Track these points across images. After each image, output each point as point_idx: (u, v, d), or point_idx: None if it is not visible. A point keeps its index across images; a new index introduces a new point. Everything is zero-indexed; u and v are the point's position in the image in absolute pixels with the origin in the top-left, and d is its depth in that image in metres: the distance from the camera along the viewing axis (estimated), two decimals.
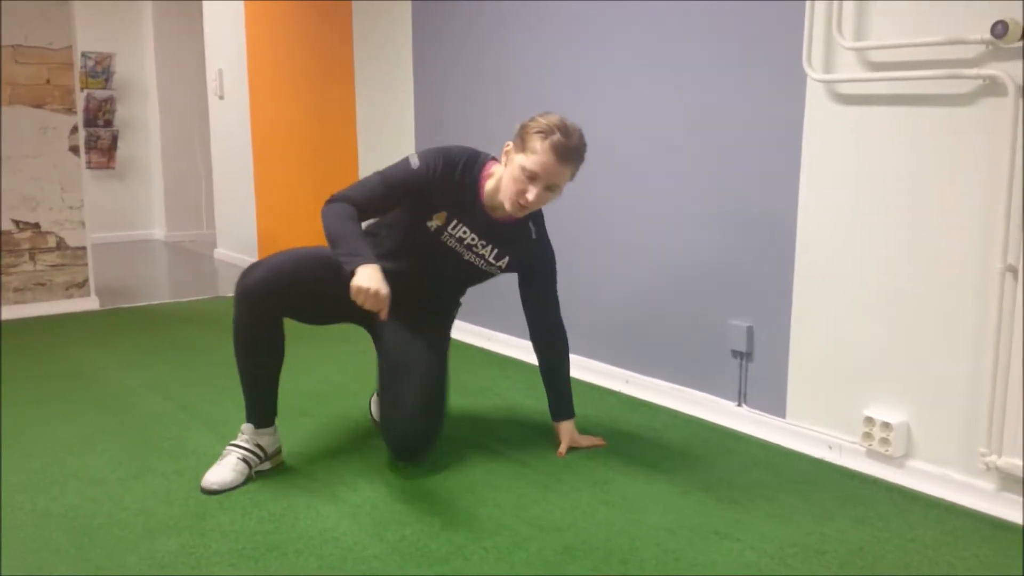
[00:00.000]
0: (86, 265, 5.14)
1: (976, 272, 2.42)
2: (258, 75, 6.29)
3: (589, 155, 3.58)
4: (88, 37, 7.79)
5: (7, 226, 4.85)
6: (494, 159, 2.67)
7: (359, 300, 2.31)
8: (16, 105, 4.81)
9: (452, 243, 2.67)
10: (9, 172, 4.82)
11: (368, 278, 2.31)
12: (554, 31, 3.69)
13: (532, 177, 2.47)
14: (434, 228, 2.64)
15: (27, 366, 3.87)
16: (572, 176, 2.57)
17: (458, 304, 2.95)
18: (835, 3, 2.65)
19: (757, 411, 3.07)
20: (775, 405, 3.01)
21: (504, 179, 2.55)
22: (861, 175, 2.67)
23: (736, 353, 3.12)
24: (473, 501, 2.47)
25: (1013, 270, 2.32)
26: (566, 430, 2.86)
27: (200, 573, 2.07)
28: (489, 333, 4.14)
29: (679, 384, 3.34)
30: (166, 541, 2.22)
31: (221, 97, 6.86)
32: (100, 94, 7.95)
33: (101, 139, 8.05)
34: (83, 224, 5.09)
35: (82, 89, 7.70)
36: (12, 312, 4.90)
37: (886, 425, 2.63)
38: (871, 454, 2.71)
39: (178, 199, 8.33)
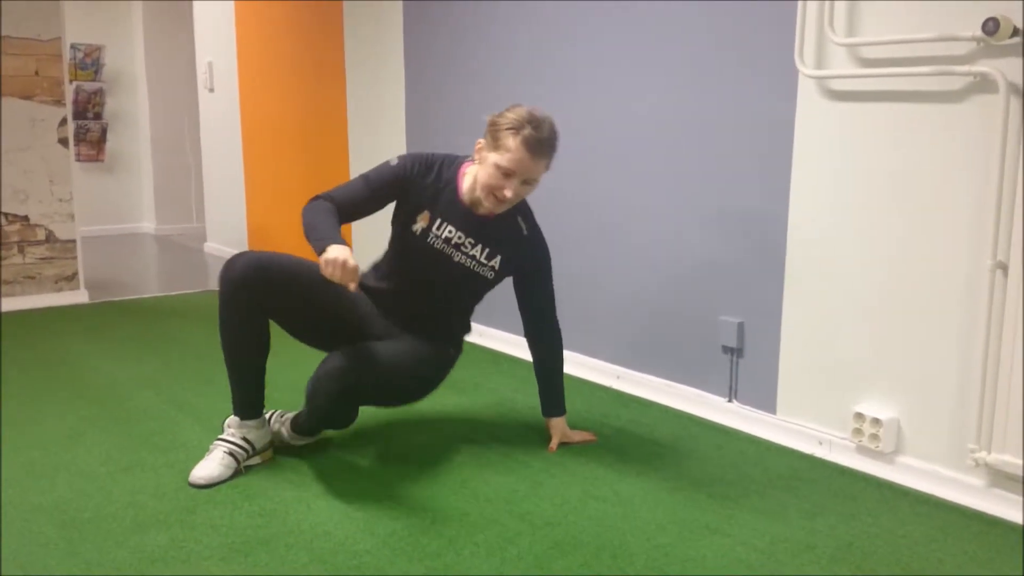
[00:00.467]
0: (75, 258, 5.11)
1: (966, 268, 2.43)
2: (248, 68, 6.27)
3: (583, 152, 3.59)
4: (77, 29, 7.74)
5: None
6: (470, 160, 2.68)
7: (327, 272, 2.30)
8: (4, 96, 4.78)
9: (439, 244, 2.65)
10: None
11: (337, 251, 2.31)
12: (546, 29, 3.69)
13: (508, 174, 2.50)
14: (419, 231, 2.65)
15: (16, 359, 3.86)
16: (548, 167, 2.58)
17: (464, 329, 2.86)
18: (827, 0, 2.66)
19: (748, 407, 3.07)
20: (766, 401, 3.01)
21: (480, 177, 2.57)
22: (852, 171, 2.67)
23: (727, 349, 3.12)
24: (464, 496, 2.47)
25: (1003, 266, 2.33)
26: (557, 426, 2.86)
27: (190, 567, 2.06)
28: (481, 328, 4.14)
29: (670, 380, 3.34)
30: (156, 535, 2.22)
31: (211, 90, 6.83)
32: (89, 86, 7.91)
33: (90, 132, 8.01)
34: (72, 217, 5.07)
35: (71, 81, 7.66)
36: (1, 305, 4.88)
37: (876, 421, 2.64)
38: (861, 450, 2.72)
39: (168, 192, 8.30)
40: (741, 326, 3.06)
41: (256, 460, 2.65)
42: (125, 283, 5.85)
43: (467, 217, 2.65)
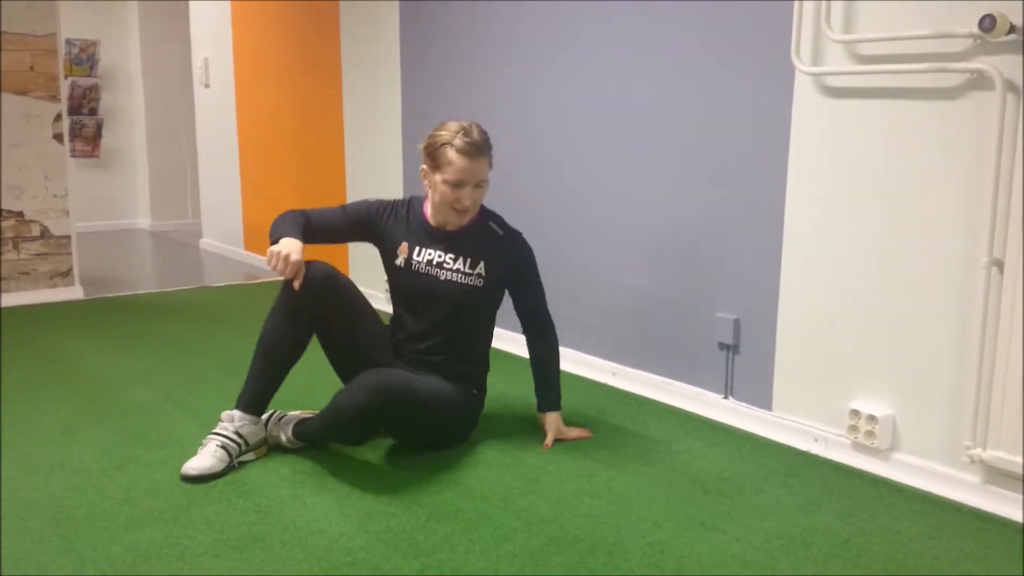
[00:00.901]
0: (70, 254, 5.10)
1: (962, 266, 2.43)
2: (244, 63, 6.26)
3: (579, 149, 3.58)
4: (73, 24, 7.72)
5: None
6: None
7: (271, 264, 2.58)
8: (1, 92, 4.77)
9: (424, 269, 2.78)
10: None
11: (284, 244, 2.60)
12: (541, 27, 3.68)
13: (458, 184, 2.65)
14: (403, 263, 2.80)
15: (11, 356, 3.85)
16: (490, 165, 2.72)
17: (484, 365, 2.91)
18: None
19: (743, 404, 3.07)
20: (761, 398, 3.01)
21: (435, 199, 2.72)
22: (848, 168, 2.67)
23: (723, 346, 3.12)
24: (459, 493, 2.47)
25: (999, 264, 2.33)
26: (552, 422, 2.86)
27: (184, 564, 2.06)
28: None
29: (666, 377, 3.34)
30: (151, 532, 2.21)
31: (207, 85, 6.82)
32: (85, 82, 7.89)
33: (86, 127, 7.99)
34: (67, 213, 5.05)
35: (66, 77, 7.64)
36: None
37: (872, 418, 2.64)
38: (857, 447, 2.72)
39: (163, 188, 8.28)
40: (737, 323, 3.06)
41: (250, 456, 2.64)
42: (120, 279, 5.84)
43: (441, 237, 2.79)
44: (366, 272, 5.03)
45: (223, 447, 2.57)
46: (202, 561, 2.07)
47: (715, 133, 3.06)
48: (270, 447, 2.73)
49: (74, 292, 5.13)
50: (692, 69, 3.11)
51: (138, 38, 8.00)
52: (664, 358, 3.35)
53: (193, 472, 2.51)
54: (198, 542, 2.16)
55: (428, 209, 2.80)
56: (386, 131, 4.74)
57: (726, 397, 3.13)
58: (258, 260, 6.34)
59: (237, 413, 2.63)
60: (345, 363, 2.80)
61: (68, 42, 7.69)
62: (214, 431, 2.62)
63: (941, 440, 2.53)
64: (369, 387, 2.47)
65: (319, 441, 2.73)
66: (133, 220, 8.47)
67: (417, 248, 2.79)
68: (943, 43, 2.41)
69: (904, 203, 2.55)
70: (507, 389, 3.40)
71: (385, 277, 2.86)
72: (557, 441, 2.84)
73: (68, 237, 5.08)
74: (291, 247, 2.59)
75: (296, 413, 2.78)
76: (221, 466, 2.55)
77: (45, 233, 5.00)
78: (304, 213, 2.83)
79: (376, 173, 4.88)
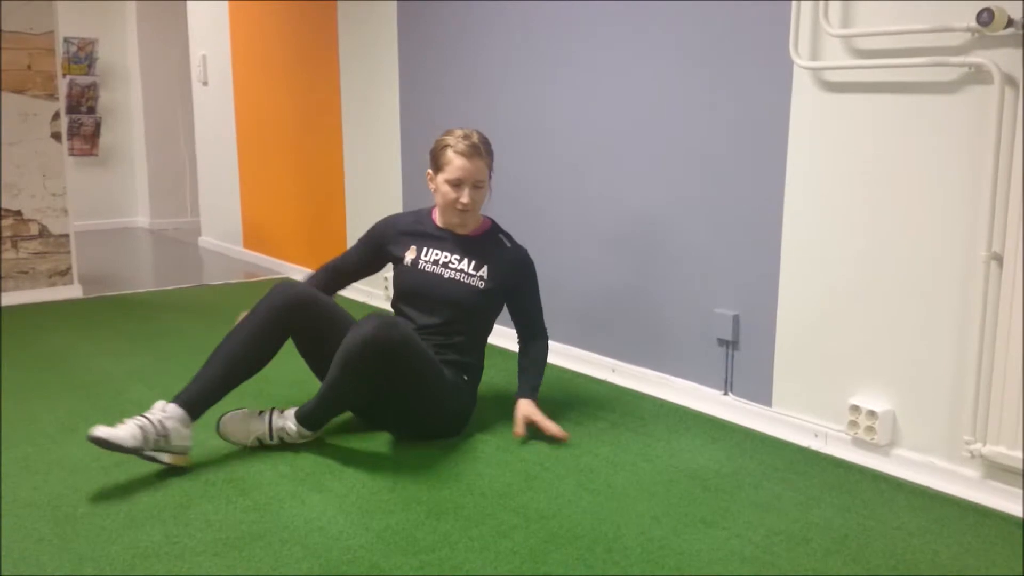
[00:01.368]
0: (69, 253, 5.09)
1: (961, 260, 2.43)
2: (242, 61, 6.25)
3: (577, 145, 3.58)
4: (70, 22, 7.71)
5: None
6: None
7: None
8: None
9: (430, 267, 2.89)
10: None
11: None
12: (539, 24, 3.68)
13: (458, 184, 2.80)
14: (410, 262, 2.92)
15: (10, 355, 3.84)
16: (490, 168, 2.87)
17: (477, 360, 2.95)
18: None
19: (743, 399, 3.07)
20: (761, 393, 3.01)
21: (439, 200, 2.87)
22: (847, 163, 2.67)
23: (722, 342, 3.12)
24: (458, 490, 2.47)
25: (998, 258, 2.32)
26: (522, 408, 2.87)
27: (183, 562, 2.06)
28: None
29: (665, 373, 3.34)
30: (150, 530, 2.21)
31: (205, 83, 6.81)
32: (83, 80, 7.88)
33: (84, 126, 7.98)
34: (66, 211, 5.05)
35: (64, 75, 7.63)
36: None
37: (872, 413, 2.64)
38: (857, 442, 2.72)
39: (162, 186, 8.27)
40: (736, 319, 3.05)
41: (165, 458, 2.51)
42: (119, 278, 5.83)
43: (451, 239, 2.92)
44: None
45: (141, 428, 2.46)
46: (201, 560, 2.07)
47: (714, 128, 3.05)
48: (274, 444, 2.72)
49: (73, 291, 5.12)
50: (690, 64, 3.10)
51: (136, 36, 7.98)
52: (663, 354, 3.34)
53: (100, 434, 2.39)
54: (197, 540, 2.16)
55: (436, 214, 2.95)
56: (384, 126, 4.74)
57: (725, 393, 3.13)
58: (257, 258, 6.33)
59: (171, 406, 2.56)
60: (324, 370, 2.82)
61: (66, 40, 7.68)
62: (142, 413, 2.54)
63: (941, 435, 2.53)
64: (380, 321, 2.53)
65: (322, 417, 2.69)
66: (132, 218, 8.46)
67: (425, 249, 2.92)
68: (941, 37, 2.41)
69: (903, 198, 2.54)
70: (505, 386, 3.39)
71: (385, 276, 2.87)
72: (529, 425, 2.82)
73: (67, 236, 5.07)
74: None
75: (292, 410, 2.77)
76: (131, 443, 2.42)
77: (44, 232, 4.99)
78: (325, 268, 3.12)
79: (374, 169, 4.87)
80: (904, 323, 2.58)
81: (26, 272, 4.96)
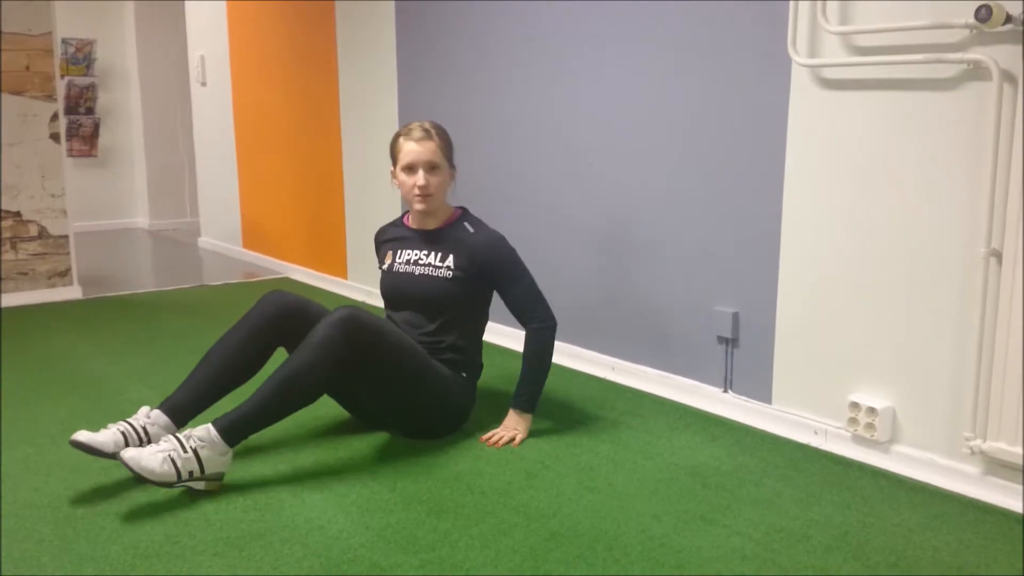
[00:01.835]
0: (68, 254, 5.09)
1: (961, 256, 2.43)
2: (240, 61, 6.25)
3: (575, 143, 3.58)
4: (68, 23, 7.71)
5: None
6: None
7: None
8: None
9: (404, 268, 2.90)
10: None
11: None
12: (537, 21, 3.67)
13: (410, 168, 2.81)
14: (387, 267, 2.95)
15: (10, 356, 3.84)
16: (445, 152, 2.85)
17: (471, 353, 2.90)
18: None
19: (743, 397, 3.07)
20: (761, 391, 3.01)
21: (402, 194, 2.87)
22: (846, 159, 2.67)
23: (722, 339, 3.12)
24: (459, 489, 2.47)
25: (997, 254, 2.32)
26: (511, 420, 2.86)
27: (184, 562, 2.06)
28: None
29: (665, 371, 3.34)
30: (150, 530, 2.21)
31: (203, 84, 6.81)
32: (81, 81, 7.88)
33: (83, 127, 7.98)
34: (65, 212, 5.05)
35: (63, 76, 7.63)
36: None
37: (871, 410, 2.64)
38: (856, 439, 2.72)
39: (161, 187, 8.27)
40: (736, 316, 3.05)
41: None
42: (119, 279, 5.83)
43: (419, 237, 2.92)
44: (365, 275, 5.03)
45: (123, 433, 2.47)
46: (201, 559, 2.07)
47: (712, 126, 3.05)
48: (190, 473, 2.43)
49: (72, 292, 5.12)
50: (689, 62, 3.10)
51: (134, 37, 7.99)
52: (663, 352, 3.34)
53: (80, 438, 2.40)
54: (198, 540, 2.16)
55: (409, 216, 2.99)
56: (383, 126, 4.74)
57: (725, 391, 3.13)
58: (256, 258, 6.34)
59: (155, 412, 2.56)
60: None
61: (64, 41, 7.68)
62: (125, 419, 2.54)
63: (941, 431, 2.53)
64: (335, 317, 2.50)
65: (274, 404, 2.45)
66: (131, 219, 8.46)
67: (399, 251, 2.94)
68: (939, 34, 2.41)
69: (902, 194, 2.54)
70: (505, 385, 3.39)
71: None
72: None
73: (66, 237, 5.07)
74: None
75: None
76: (111, 448, 2.42)
77: (43, 233, 4.99)
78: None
79: (373, 168, 4.87)
80: (904, 320, 2.58)
81: (26, 273, 4.97)
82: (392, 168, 2.88)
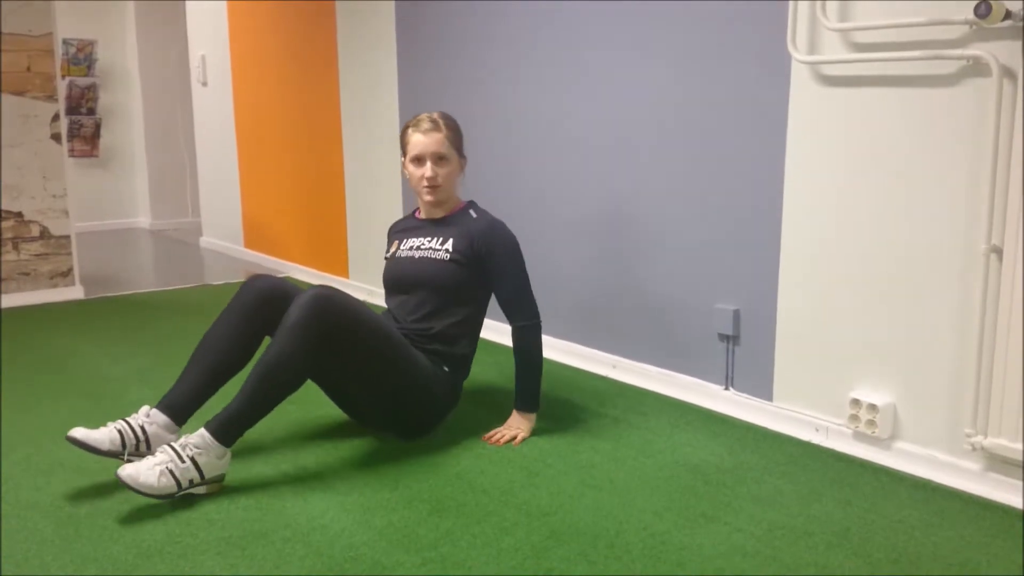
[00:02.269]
0: (70, 254, 5.10)
1: (961, 253, 2.43)
2: (241, 61, 6.25)
3: (575, 141, 3.58)
4: (69, 24, 7.71)
5: None
6: None
7: None
8: None
9: (407, 253, 2.92)
10: None
11: None
12: (537, 23, 3.67)
13: (419, 159, 2.83)
14: (392, 254, 2.98)
15: (11, 356, 3.85)
16: (453, 142, 2.87)
17: (459, 346, 2.85)
18: None
19: (744, 394, 3.07)
20: (762, 388, 3.01)
21: (412, 185, 2.91)
22: (846, 156, 2.67)
23: (723, 337, 3.12)
24: (460, 487, 2.47)
25: (998, 251, 2.32)
26: (514, 420, 2.86)
27: (186, 561, 2.06)
28: None
29: (666, 368, 3.34)
30: (152, 530, 2.21)
31: (204, 83, 6.81)
32: (82, 81, 7.89)
33: (84, 127, 7.99)
34: (67, 213, 5.05)
35: (64, 76, 7.63)
36: None
37: (872, 407, 2.64)
38: (858, 436, 2.72)
39: (163, 187, 8.28)
40: (737, 313, 3.05)
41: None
42: (120, 279, 5.84)
43: (426, 225, 2.95)
44: (367, 274, 5.03)
45: (120, 432, 2.48)
46: (204, 559, 2.08)
47: (712, 123, 3.05)
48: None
49: (74, 292, 5.13)
50: (688, 59, 3.10)
51: (135, 37, 7.99)
52: (664, 350, 3.34)
53: (76, 435, 2.41)
54: (200, 540, 2.17)
55: (419, 209, 3.01)
56: (383, 124, 4.74)
57: (726, 388, 3.13)
58: (258, 257, 6.34)
59: (155, 411, 2.56)
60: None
61: (65, 42, 7.69)
62: (125, 418, 2.55)
63: (942, 428, 2.53)
64: (321, 287, 2.50)
65: (260, 397, 2.43)
66: (133, 219, 8.47)
67: (405, 240, 2.97)
68: (939, 30, 2.41)
69: (902, 191, 2.54)
70: (506, 383, 3.39)
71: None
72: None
73: (68, 237, 5.08)
74: None
75: None
76: (107, 446, 2.43)
77: (45, 233, 5.00)
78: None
79: (374, 166, 4.87)
80: (904, 316, 2.58)
81: (27, 273, 4.97)
82: (402, 159, 2.90)
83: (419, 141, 2.82)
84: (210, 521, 2.26)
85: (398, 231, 3.05)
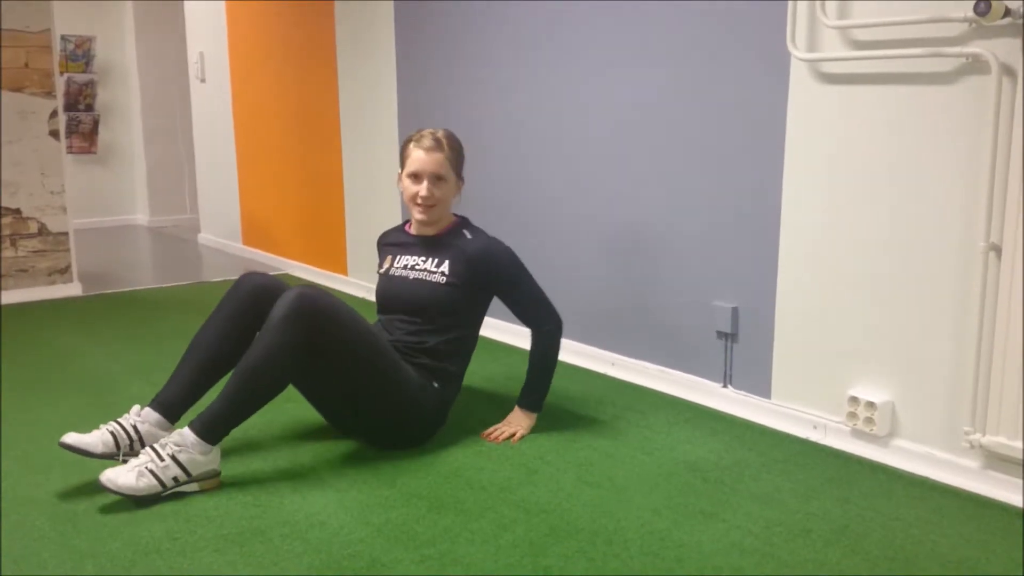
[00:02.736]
0: (68, 251, 5.09)
1: (960, 251, 2.43)
2: (239, 58, 6.24)
3: (574, 140, 3.57)
4: (67, 20, 7.70)
5: None
6: None
7: None
8: None
9: (400, 272, 2.87)
10: None
11: None
12: (535, 21, 3.67)
13: (416, 176, 2.78)
14: (385, 271, 2.92)
15: (10, 353, 3.85)
16: (453, 164, 2.81)
17: (450, 363, 2.79)
18: None
19: (742, 392, 3.07)
20: (760, 386, 3.01)
21: (405, 199, 2.84)
22: (845, 154, 2.67)
23: (721, 334, 3.12)
24: (458, 484, 2.47)
25: (996, 249, 2.32)
26: (516, 417, 2.86)
27: (185, 558, 2.06)
28: None
29: (665, 366, 3.34)
30: (150, 527, 2.21)
31: (202, 80, 6.80)
32: (80, 78, 7.87)
33: (82, 123, 7.97)
34: (65, 209, 5.05)
35: (62, 73, 7.62)
36: None
37: (871, 405, 2.64)
38: (856, 434, 2.72)
39: (161, 184, 8.27)
40: (735, 311, 3.06)
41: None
42: (119, 275, 5.83)
43: (419, 243, 2.89)
44: (365, 272, 5.03)
45: (113, 433, 2.48)
46: (202, 555, 2.08)
47: (711, 121, 3.05)
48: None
49: (73, 289, 5.13)
50: (687, 57, 3.10)
51: (133, 33, 7.98)
52: (663, 347, 3.35)
53: (68, 441, 2.42)
54: (198, 536, 2.17)
55: (410, 223, 2.96)
56: (382, 121, 4.73)
57: (725, 385, 3.13)
58: (256, 254, 6.34)
59: (146, 410, 2.56)
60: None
61: (63, 38, 7.67)
62: (116, 419, 2.54)
63: (940, 426, 2.53)
64: (288, 297, 2.45)
65: (244, 397, 2.42)
66: (131, 216, 8.46)
67: (398, 256, 2.91)
68: (938, 28, 2.41)
69: (901, 189, 2.54)
70: (506, 381, 3.40)
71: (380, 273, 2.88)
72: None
73: (66, 234, 5.07)
74: None
75: None
76: (100, 449, 2.44)
77: (43, 230, 4.99)
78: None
79: (372, 163, 4.87)
80: (903, 314, 2.58)
81: (26, 270, 4.97)
82: (400, 171, 2.85)
83: (419, 158, 2.76)
84: (208, 518, 2.26)
85: (389, 244, 2.98)
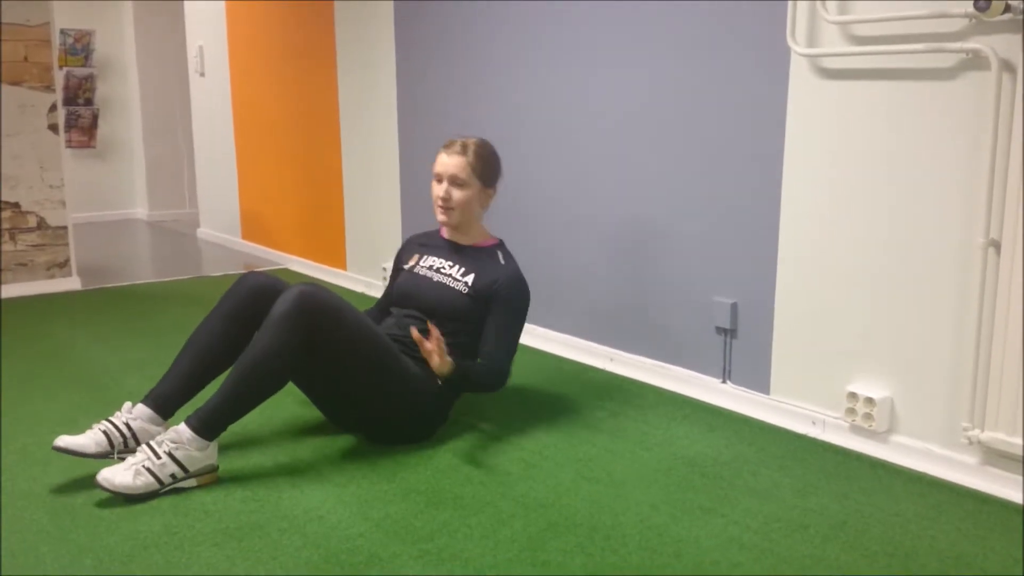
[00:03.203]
0: (67, 245, 5.09)
1: (959, 247, 2.42)
2: (239, 52, 6.24)
3: (574, 136, 3.57)
4: (67, 14, 7.69)
5: None
6: None
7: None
8: None
9: (424, 272, 2.91)
10: None
11: None
12: (535, 20, 3.66)
13: (437, 178, 2.85)
14: (409, 267, 2.97)
15: (9, 347, 3.84)
16: (477, 170, 2.82)
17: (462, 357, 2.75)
18: None
19: (741, 388, 3.07)
20: (759, 381, 3.01)
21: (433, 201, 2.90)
22: (845, 150, 2.66)
23: (720, 330, 3.12)
24: (457, 479, 2.47)
25: (996, 245, 2.32)
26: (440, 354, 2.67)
27: (183, 553, 2.06)
28: None
29: (663, 361, 3.34)
30: (149, 521, 2.21)
31: (202, 74, 6.79)
32: (80, 72, 7.86)
33: (82, 118, 7.97)
34: (64, 204, 5.04)
35: (61, 67, 7.61)
36: None
37: (869, 400, 2.64)
38: (855, 429, 2.72)
39: (160, 178, 8.26)
40: (734, 307, 3.05)
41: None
42: (118, 270, 5.83)
43: (450, 248, 2.94)
44: (364, 267, 5.03)
45: (105, 432, 2.46)
46: (200, 550, 2.08)
47: (711, 116, 3.05)
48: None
49: (72, 283, 5.12)
50: (687, 52, 3.10)
51: (133, 27, 7.97)
52: (662, 343, 3.34)
53: (61, 444, 2.39)
54: (196, 531, 2.17)
55: (444, 228, 2.99)
56: (381, 116, 4.73)
57: (724, 381, 3.13)
58: (255, 249, 6.33)
59: (138, 406, 2.54)
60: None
61: (63, 32, 7.66)
62: (108, 417, 2.53)
63: (939, 422, 2.53)
64: (307, 284, 2.48)
65: (242, 393, 2.42)
66: (130, 210, 8.45)
67: (425, 256, 2.96)
68: (938, 23, 2.40)
69: (900, 184, 2.54)
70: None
71: (384, 266, 2.86)
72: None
73: (65, 228, 5.06)
74: None
75: None
76: (94, 449, 2.42)
77: (42, 224, 4.99)
78: (377, 303, 3.09)
79: (372, 158, 4.87)
80: (902, 310, 2.58)
81: (25, 264, 4.96)
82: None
83: (441, 160, 2.84)
84: (207, 512, 2.26)
85: (419, 244, 3.04)
